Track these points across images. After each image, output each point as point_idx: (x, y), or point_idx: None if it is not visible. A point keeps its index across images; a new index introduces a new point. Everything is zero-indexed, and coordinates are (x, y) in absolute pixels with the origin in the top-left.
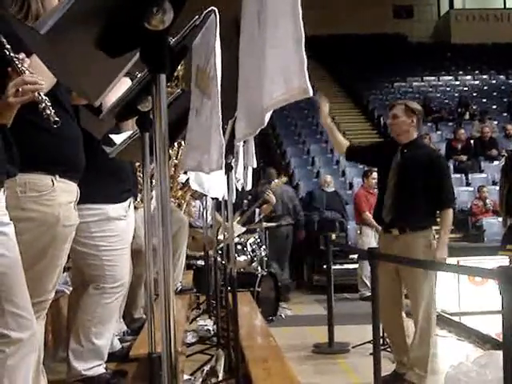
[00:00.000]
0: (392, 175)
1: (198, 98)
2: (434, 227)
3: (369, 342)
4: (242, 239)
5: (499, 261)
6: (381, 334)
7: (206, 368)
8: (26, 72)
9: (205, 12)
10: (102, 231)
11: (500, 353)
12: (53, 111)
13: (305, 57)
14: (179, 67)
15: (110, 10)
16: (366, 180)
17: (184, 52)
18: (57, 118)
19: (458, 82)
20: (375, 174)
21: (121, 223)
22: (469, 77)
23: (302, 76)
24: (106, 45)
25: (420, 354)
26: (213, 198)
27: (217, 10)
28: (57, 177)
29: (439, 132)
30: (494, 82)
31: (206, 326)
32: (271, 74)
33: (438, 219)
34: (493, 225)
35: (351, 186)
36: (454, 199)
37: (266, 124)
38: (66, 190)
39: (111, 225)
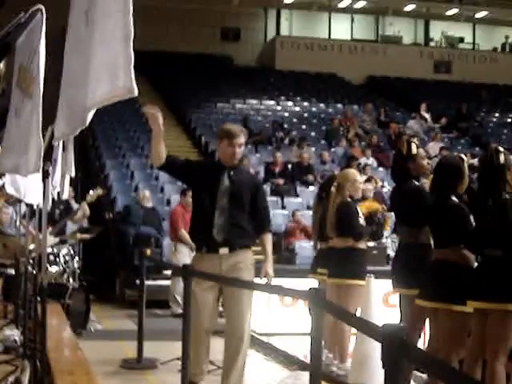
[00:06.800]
0: (221, 197)
1: (19, 97)
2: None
3: (177, 358)
4: (55, 250)
5: (309, 283)
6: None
7: (11, 379)
8: None
9: (31, 10)
10: None
11: (306, 374)
12: None
13: (132, 55)
14: (1, 66)
15: None
16: (183, 198)
17: (7, 49)
18: None
19: (279, 107)
20: None
21: None
22: (290, 103)
23: (128, 75)
24: None
25: (238, 375)
26: (27, 205)
27: (44, 10)
28: None
29: (258, 155)
30: (313, 109)
31: (12, 335)
32: (97, 72)
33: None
34: (305, 248)
35: (169, 202)
36: None
37: (87, 124)
38: None
39: None
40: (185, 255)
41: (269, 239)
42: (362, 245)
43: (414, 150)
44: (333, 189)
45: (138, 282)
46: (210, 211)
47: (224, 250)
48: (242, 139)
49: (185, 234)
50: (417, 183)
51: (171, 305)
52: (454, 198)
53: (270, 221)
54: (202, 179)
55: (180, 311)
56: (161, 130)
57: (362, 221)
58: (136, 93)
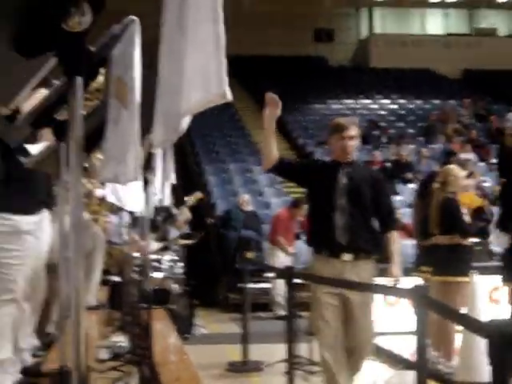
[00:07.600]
0: (339, 196)
1: (116, 108)
2: None
3: (283, 360)
4: (159, 256)
5: (413, 281)
6: (294, 353)
7: None
8: None
9: (125, 21)
10: (7, 243)
11: (412, 373)
12: None
13: (224, 61)
14: (100, 78)
15: (27, 9)
16: (295, 209)
17: (103, 61)
18: None
19: (375, 106)
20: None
21: (28, 238)
22: (386, 101)
23: (221, 80)
24: (21, 45)
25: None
26: (130, 213)
27: (138, 21)
28: None
29: (356, 153)
30: (410, 106)
31: (120, 342)
32: (190, 79)
33: None
34: (406, 246)
35: (268, 205)
36: None
37: (184, 131)
38: None
39: (19, 238)
40: (279, 258)
41: (394, 238)
42: (467, 241)
43: None
44: (436, 185)
45: (240, 285)
46: (329, 212)
47: (348, 257)
48: (353, 131)
49: (282, 240)
50: None
51: (273, 307)
52: None
53: (395, 218)
54: (318, 179)
55: (283, 313)
56: (273, 128)
57: (466, 217)
58: (230, 98)
